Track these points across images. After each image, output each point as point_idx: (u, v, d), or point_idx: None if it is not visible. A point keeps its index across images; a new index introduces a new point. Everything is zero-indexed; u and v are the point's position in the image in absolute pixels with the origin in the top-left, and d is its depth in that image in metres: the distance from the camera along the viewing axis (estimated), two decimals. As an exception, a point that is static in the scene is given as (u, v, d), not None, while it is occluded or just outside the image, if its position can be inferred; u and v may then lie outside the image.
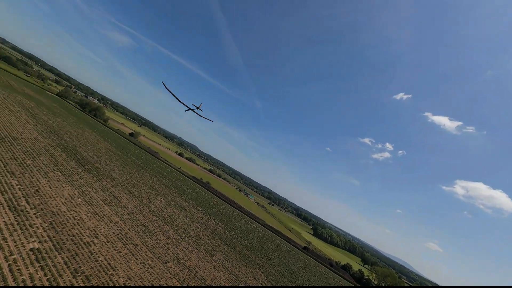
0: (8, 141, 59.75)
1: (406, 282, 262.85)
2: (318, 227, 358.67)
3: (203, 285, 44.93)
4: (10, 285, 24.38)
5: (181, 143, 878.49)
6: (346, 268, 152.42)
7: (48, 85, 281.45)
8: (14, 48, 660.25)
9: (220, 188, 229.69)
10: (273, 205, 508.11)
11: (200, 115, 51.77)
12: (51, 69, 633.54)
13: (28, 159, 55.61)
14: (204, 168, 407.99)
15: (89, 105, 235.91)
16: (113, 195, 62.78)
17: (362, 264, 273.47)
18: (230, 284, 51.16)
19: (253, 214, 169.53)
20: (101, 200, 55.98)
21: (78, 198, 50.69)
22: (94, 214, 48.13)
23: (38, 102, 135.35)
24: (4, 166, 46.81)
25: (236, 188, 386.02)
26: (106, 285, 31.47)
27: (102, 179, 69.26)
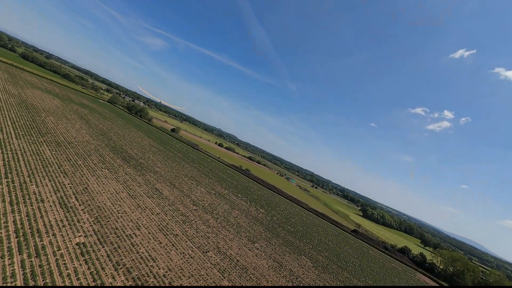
0: (64, 145, 66.54)
1: (479, 266, 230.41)
2: (368, 208, 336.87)
3: (240, 273, 43.31)
4: (56, 280, 25.43)
5: (220, 134, 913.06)
6: (404, 251, 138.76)
7: (100, 94, 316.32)
8: (73, 66, 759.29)
9: (260, 174, 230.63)
10: (316, 187, 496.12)
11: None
12: (103, 80, 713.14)
13: (80, 160, 60.99)
14: (243, 156, 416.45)
15: (135, 108, 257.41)
16: (155, 187, 65.57)
17: (423, 246, 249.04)
18: (274, 273, 48.83)
19: (295, 198, 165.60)
20: (143, 193, 58.62)
21: (122, 192, 53.61)
22: (137, 207, 50.22)
23: (91, 109, 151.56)
24: (58, 168, 51.66)
25: (277, 173, 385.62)
26: (145, 275, 31.60)
27: (145, 173, 73.14)
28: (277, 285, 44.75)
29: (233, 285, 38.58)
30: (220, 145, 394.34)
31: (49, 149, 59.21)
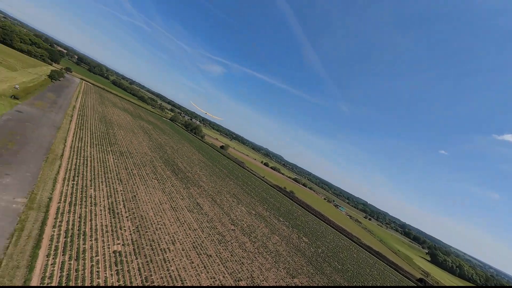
0: (125, 155, 74.49)
1: None
2: (438, 253, 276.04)
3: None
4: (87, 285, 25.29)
5: (267, 153, 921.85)
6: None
7: (165, 113, 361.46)
8: (148, 90, 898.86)
9: (306, 197, 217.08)
10: (370, 219, 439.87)
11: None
12: (169, 102, 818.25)
13: (135, 169, 66.64)
14: (288, 177, 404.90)
15: (191, 125, 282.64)
16: (197, 202, 66.09)
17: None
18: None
19: (345, 229, 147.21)
20: (185, 206, 59.30)
21: (166, 203, 55.12)
22: (176, 220, 50.39)
23: (155, 125, 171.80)
24: (116, 175, 56.90)
25: (324, 199, 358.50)
26: None
27: (190, 187, 75.26)
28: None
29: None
30: (266, 164, 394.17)
31: (113, 158, 66.70)
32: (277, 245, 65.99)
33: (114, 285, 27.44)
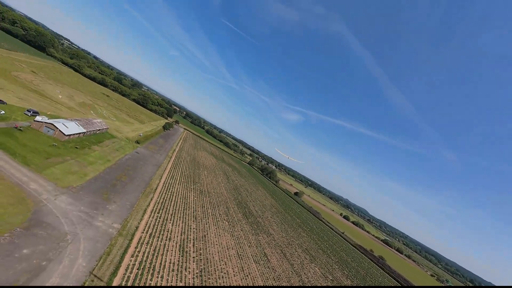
0: (204, 194, 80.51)
1: None
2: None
3: None
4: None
5: (347, 205, 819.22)
6: None
7: (244, 157, 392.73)
8: (233, 138, 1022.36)
9: (402, 269, 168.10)
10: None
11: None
12: (249, 147, 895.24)
13: (210, 208, 69.74)
14: (375, 236, 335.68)
15: (267, 169, 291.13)
16: (264, 252, 60.66)
17: None
18: None
19: None
20: (251, 255, 54.99)
21: (232, 249, 52.77)
22: (240, 270, 46.38)
23: (234, 168, 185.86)
24: (193, 212, 60.60)
25: (431, 275, 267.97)
26: None
27: (259, 233, 71.32)
28: None
29: None
30: (346, 217, 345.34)
31: (193, 195, 73.02)
32: (363, 333, 49.36)
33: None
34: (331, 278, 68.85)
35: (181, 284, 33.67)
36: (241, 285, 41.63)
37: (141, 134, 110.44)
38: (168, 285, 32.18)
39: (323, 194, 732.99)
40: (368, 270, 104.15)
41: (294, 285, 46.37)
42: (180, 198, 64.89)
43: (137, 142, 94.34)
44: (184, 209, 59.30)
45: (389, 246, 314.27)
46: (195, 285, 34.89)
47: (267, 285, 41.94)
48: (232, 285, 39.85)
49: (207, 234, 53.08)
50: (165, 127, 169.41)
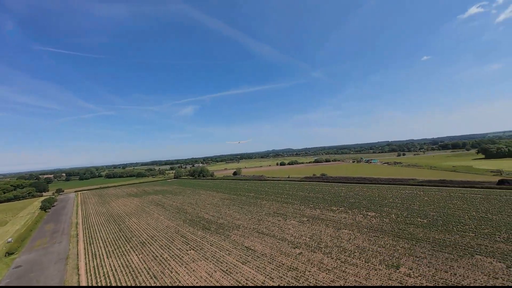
0: (148, 242, 65.59)
1: None
2: (488, 146, 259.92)
3: None
4: None
5: (276, 154, 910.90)
6: None
7: (167, 175, 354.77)
8: (143, 163, 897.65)
9: (337, 171, 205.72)
10: (404, 154, 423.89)
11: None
12: (166, 162, 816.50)
13: (166, 252, 57.51)
14: (308, 163, 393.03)
15: (196, 171, 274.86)
16: (245, 246, 56.47)
17: None
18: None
19: (393, 178, 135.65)
20: (237, 260, 49.73)
21: (215, 272, 45.64)
22: (236, 283, 40.80)
23: (164, 192, 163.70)
24: (147, 272, 47.78)
25: (352, 161, 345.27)
26: None
27: (229, 234, 65.75)
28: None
29: None
30: (282, 163, 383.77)
31: (136, 254, 57.78)
32: (352, 239, 55.73)
33: None
34: (306, 220, 73.45)
35: None
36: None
37: (10, 239, 75.77)
38: None
39: (254, 158, 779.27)
40: (322, 191, 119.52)
41: (297, 285, 43.33)
42: (121, 271, 49.43)
43: (9, 253, 63.95)
44: (134, 278, 45.49)
45: (320, 162, 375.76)
46: None
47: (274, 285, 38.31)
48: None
49: (179, 282, 43.12)
50: (45, 206, 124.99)
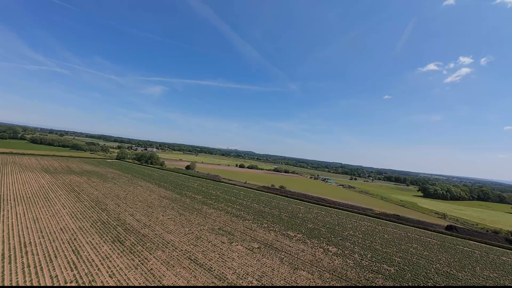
0: (21, 252, 42.02)
1: None
2: (427, 186, 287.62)
3: None
4: None
5: (238, 154, 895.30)
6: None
7: (110, 153, 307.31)
8: (87, 135, 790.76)
9: (297, 186, 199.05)
10: (355, 179, 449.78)
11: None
12: (116, 139, 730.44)
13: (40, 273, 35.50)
14: (268, 170, 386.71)
15: (144, 156, 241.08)
16: (162, 283, 38.14)
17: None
18: None
19: (353, 204, 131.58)
20: (140, 313, 31.20)
21: None
22: None
23: (92, 173, 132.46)
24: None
25: (310, 177, 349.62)
26: None
27: (148, 258, 46.36)
28: None
29: None
30: (242, 166, 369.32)
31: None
32: (312, 283, 42.20)
33: None
34: (257, 246, 58.36)
35: None
36: None
37: None
38: None
39: (215, 154, 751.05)
40: (279, 206, 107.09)
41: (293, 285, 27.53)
42: None
43: None
44: None
45: (279, 172, 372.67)
46: None
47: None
48: None
49: None
50: None
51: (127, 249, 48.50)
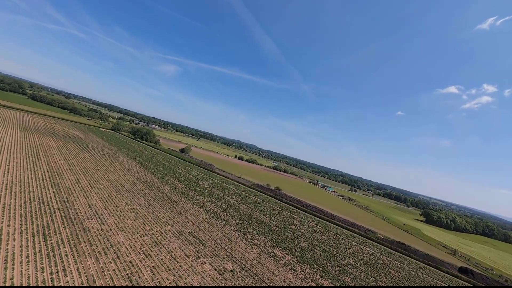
0: None
1: None
2: (432, 212, 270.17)
3: None
4: None
5: (240, 146, 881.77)
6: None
7: (108, 123, 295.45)
8: (94, 102, 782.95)
9: (294, 190, 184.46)
10: (355, 191, 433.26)
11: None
12: (121, 111, 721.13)
13: None
14: (267, 167, 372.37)
15: (140, 131, 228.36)
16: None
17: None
18: None
19: (354, 222, 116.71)
20: None
21: None
22: None
23: (74, 139, 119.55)
24: None
25: (309, 182, 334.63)
26: None
27: (71, 264, 32.52)
28: None
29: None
30: (241, 158, 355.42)
31: None
32: None
33: None
34: (236, 270, 44.27)
35: None
36: None
37: None
38: None
39: (217, 142, 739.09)
40: (270, 212, 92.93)
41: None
42: None
43: None
44: None
45: (278, 170, 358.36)
46: None
47: None
48: None
49: None
50: None
51: (49, 248, 34.70)
